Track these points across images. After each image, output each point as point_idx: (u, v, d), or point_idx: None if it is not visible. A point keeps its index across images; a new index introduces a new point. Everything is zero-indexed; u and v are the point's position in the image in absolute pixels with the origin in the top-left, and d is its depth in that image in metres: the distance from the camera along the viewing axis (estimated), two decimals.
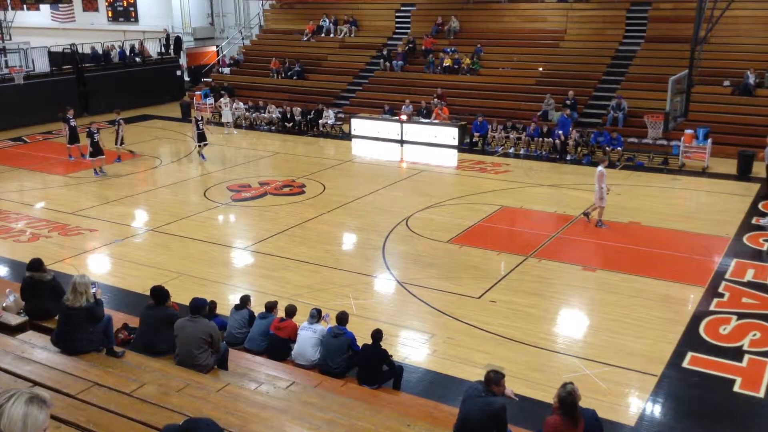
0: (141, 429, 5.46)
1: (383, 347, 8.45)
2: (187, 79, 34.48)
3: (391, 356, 8.61)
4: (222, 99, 26.77)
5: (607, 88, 23.90)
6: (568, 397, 5.91)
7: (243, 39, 35.53)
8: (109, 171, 20.04)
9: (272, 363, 8.61)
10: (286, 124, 25.58)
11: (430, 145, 22.83)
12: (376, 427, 6.25)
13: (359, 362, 8.48)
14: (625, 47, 25.39)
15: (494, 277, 12.43)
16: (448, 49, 27.38)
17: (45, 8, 38.45)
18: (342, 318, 8.74)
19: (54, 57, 29.18)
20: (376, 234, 14.70)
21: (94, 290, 7.44)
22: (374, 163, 21.93)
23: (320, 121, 25.10)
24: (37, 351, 6.97)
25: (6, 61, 27.47)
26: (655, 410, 8.64)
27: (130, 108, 28.83)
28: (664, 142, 20.48)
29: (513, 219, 15.93)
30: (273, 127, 26.07)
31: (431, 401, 8.22)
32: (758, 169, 18.57)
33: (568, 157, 20.75)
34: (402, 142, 23.37)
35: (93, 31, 36.25)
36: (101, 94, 28.83)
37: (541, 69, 25.58)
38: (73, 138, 20.93)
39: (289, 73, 29.70)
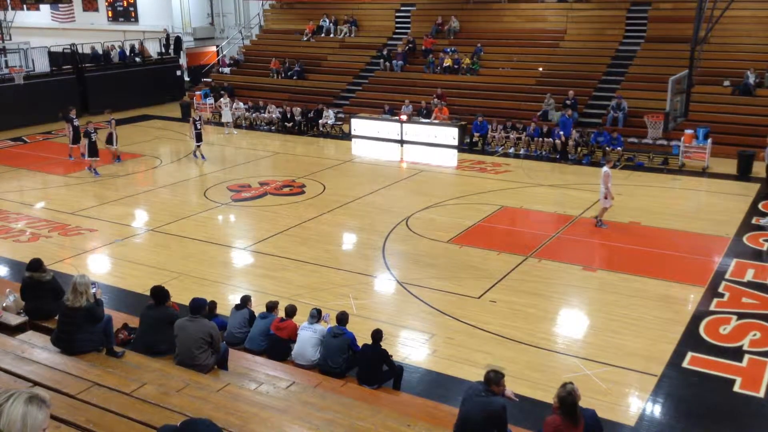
0: (141, 429, 5.45)
1: (383, 347, 8.44)
2: (187, 79, 34.45)
3: (391, 356, 8.60)
4: (222, 99, 26.79)
5: (607, 88, 23.88)
6: (568, 397, 5.91)
7: (243, 39, 35.51)
8: (109, 171, 20.04)
9: (272, 363, 8.60)
10: (286, 124, 25.56)
11: (430, 145, 22.82)
12: (376, 427, 6.25)
13: (359, 362, 8.47)
14: (625, 47, 25.38)
15: (494, 277, 12.42)
16: (448, 49, 27.37)
17: (45, 8, 38.46)
18: (342, 318, 8.75)
19: (54, 57, 29.17)
20: (376, 234, 14.69)
21: (94, 290, 7.45)
22: (374, 163, 21.92)
23: (320, 121, 25.10)
24: (37, 351, 6.97)
25: (6, 61, 27.49)
26: (655, 410, 8.63)
27: (130, 108, 28.89)
28: (664, 142, 20.49)
29: (513, 219, 15.94)
30: (273, 127, 26.06)
31: (431, 401, 8.22)
32: (758, 169, 18.58)
33: (570, 157, 20.76)
34: (402, 142, 23.36)
35: (93, 31, 36.22)
36: (101, 94, 28.78)
37: (541, 69, 25.57)
38: (77, 138, 20.94)
39: (289, 73, 29.68)
